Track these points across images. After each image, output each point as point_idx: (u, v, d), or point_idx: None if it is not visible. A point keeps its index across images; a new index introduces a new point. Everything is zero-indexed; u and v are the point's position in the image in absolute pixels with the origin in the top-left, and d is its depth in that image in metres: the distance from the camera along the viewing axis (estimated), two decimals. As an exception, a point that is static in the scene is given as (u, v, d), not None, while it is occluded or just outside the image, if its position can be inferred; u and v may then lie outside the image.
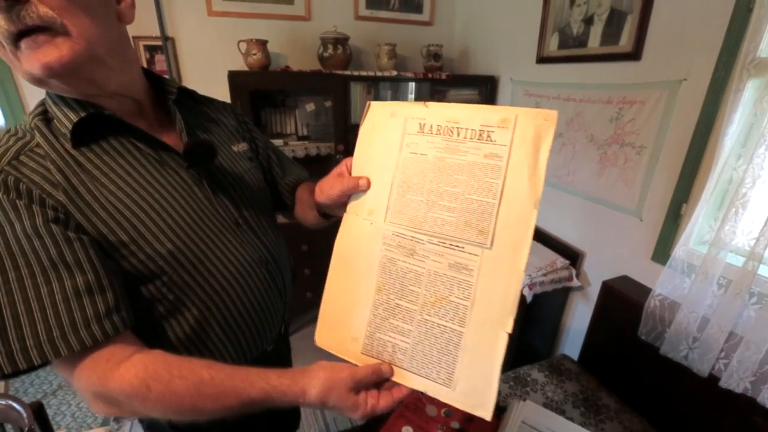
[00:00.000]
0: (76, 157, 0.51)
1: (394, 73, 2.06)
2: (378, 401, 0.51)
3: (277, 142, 2.02)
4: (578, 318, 1.80)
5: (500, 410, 1.22)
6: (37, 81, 0.46)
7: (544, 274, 1.65)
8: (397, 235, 0.55)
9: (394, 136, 0.56)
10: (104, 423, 1.71)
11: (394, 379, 0.54)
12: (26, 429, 0.80)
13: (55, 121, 0.52)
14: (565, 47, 1.69)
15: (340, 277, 0.59)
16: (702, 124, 1.23)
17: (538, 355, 1.90)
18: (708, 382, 1.15)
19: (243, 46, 1.91)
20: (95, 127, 0.52)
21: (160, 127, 0.60)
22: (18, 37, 0.42)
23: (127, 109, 0.56)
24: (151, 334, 0.55)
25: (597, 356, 1.56)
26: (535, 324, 1.93)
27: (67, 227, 0.47)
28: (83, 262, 0.46)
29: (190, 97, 0.68)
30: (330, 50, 2.01)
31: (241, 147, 0.71)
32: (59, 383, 1.91)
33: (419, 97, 2.27)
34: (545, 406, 1.29)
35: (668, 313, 1.26)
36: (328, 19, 2.12)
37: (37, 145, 0.50)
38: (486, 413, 0.49)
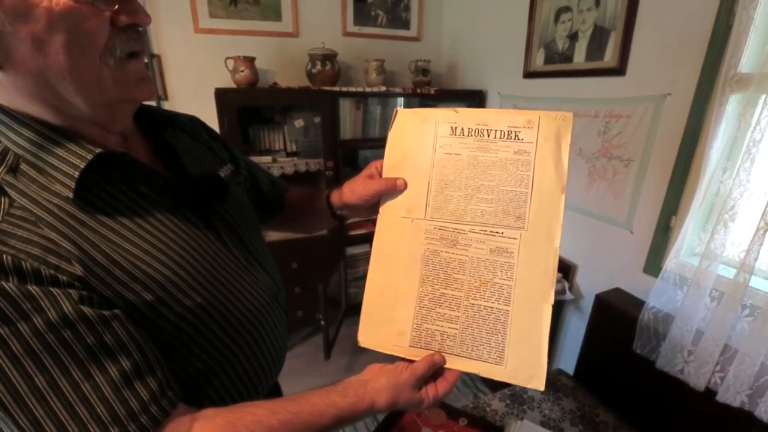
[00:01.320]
0: (74, 214, 0.41)
1: (383, 88, 2.07)
2: (437, 389, 0.54)
3: (266, 158, 2.00)
4: (572, 331, 1.79)
5: (497, 430, 1.19)
6: (109, 106, 0.43)
7: (538, 288, 1.64)
8: (440, 229, 0.59)
9: (427, 140, 0.61)
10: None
11: (447, 365, 0.56)
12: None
13: (28, 165, 0.41)
14: (551, 62, 1.72)
15: (381, 275, 0.61)
16: (688, 137, 1.24)
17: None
18: (705, 397, 1.14)
19: (230, 63, 1.90)
20: (92, 171, 0.43)
21: (150, 162, 0.53)
22: (130, 55, 0.42)
23: (116, 142, 0.48)
24: (186, 391, 0.49)
25: (593, 371, 1.54)
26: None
27: (95, 304, 0.40)
28: (126, 342, 0.40)
29: (159, 118, 0.57)
30: (318, 66, 2.01)
31: (227, 170, 0.65)
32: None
33: (408, 112, 2.28)
34: (543, 424, 1.26)
35: (662, 326, 1.26)
36: (316, 36, 2.12)
37: (18, 207, 0.39)
38: (539, 383, 0.53)
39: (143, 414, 0.39)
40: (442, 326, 0.57)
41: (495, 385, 1.84)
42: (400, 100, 2.20)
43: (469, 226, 0.58)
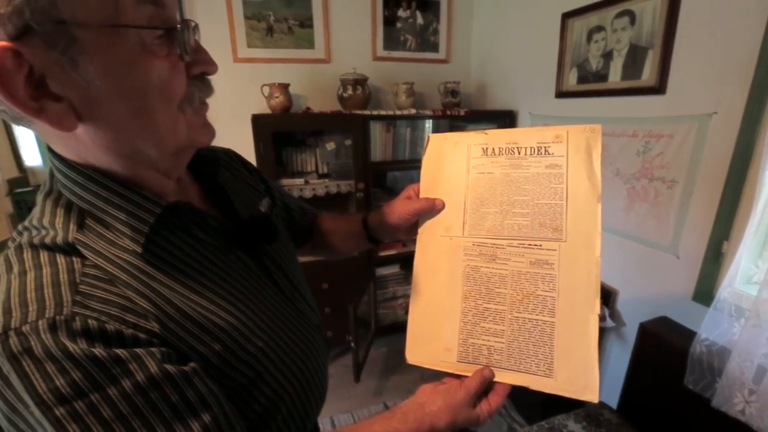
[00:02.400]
0: (143, 268, 0.40)
1: (413, 111, 2.09)
2: (490, 404, 0.54)
3: (298, 180, 2.05)
4: (615, 362, 1.69)
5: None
6: (177, 152, 0.44)
7: (575, 315, 1.57)
8: (478, 245, 0.61)
9: (460, 162, 0.64)
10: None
11: (496, 379, 0.57)
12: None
13: (94, 221, 0.40)
14: (584, 82, 1.69)
15: (424, 294, 0.63)
16: (738, 158, 1.17)
17: (573, 401, 1.78)
18: (770, 441, 1.04)
19: (266, 90, 1.99)
20: (160, 220, 0.42)
21: (202, 205, 0.53)
22: (202, 104, 0.44)
23: (173, 189, 0.48)
24: None
25: (638, 406, 1.44)
26: (567, 366, 1.82)
27: (174, 360, 0.39)
28: (206, 397, 0.39)
29: (206, 159, 0.56)
30: (349, 91, 2.07)
31: (265, 204, 0.64)
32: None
33: (437, 132, 2.29)
34: (585, 463, 1.18)
35: (717, 360, 1.16)
36: (347, 61, 2.19)
37: (91, 265, 0.38)
38: (593, 395, 0.52)
39: None
40: (488, 340, 0.58)
41: (529, 417, 1.75)
42: (429, 122, 2.22)
43: (507, 240, 0.59)
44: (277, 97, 1.96)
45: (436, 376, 0.58)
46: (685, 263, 1.37)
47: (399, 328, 2.30)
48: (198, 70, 0.42)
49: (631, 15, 1.45)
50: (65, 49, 0.33)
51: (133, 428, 0.34)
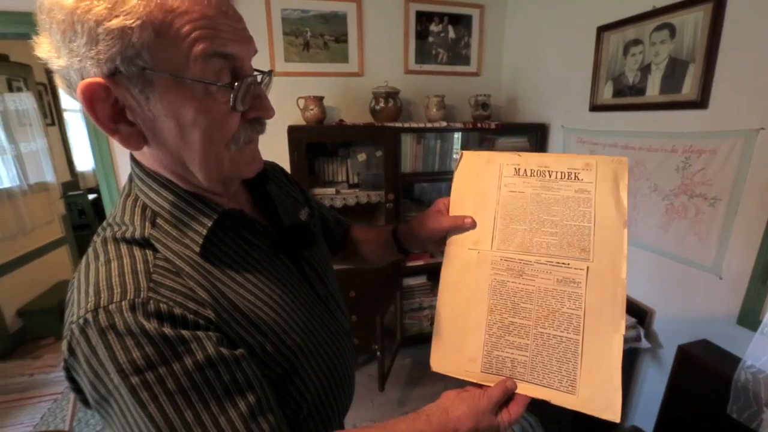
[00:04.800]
0: (201, 264, 0.46)
1: (443, 123, 2.11)
2: (510, 413, 0.56)
3: (330, 190, 2.10)
4: (650, 385, 1.62)
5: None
6: (223, 180, 0.49)
7: (609, 334, 1.52)
8: (506, 260, 0.62)
9: (492, 178, 0.66)
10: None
11: (519, 391, 0.57)
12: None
13: (164, 221, 0.47)
14: (620, 96, 1.66)
15: (450, 304, 0.64)
16: (787, 176, 1.12)
17: (604, 423, 1.71)
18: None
19: (301, 102, 2.07)
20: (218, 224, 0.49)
21: (251, 212, 0.59)
22: (249, 142, 0.49)
23: (228, 198, 0.54)
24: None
25: (676, 432, 1.37)
26: (598, 387, 1.76)
27: (226, 345, 0.44)
28: (252, 380, 0.44)
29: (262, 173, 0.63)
30: (381, 103, 2.12)
31: (305, 213, 0.70)
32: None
33: (468, 146, 2.30)
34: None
35: (765, 389, 1.10)
36: (379, 74, 2.25)
37: (161, 258, 0.44)
38: (614, 416, 0.53)
39: None
40: (512, 353, 0.59)
41: (560, 437, 1.70)
42: (459, 135, 2.23)
43: (535, 257, 0.60)
44: (311, 109, 2.04)
45: (460, 385, 0.59)
46: (728, 284, 1.31)
47: (424, 339, 2.29)
48: (254, 115, 0.47)
49: (670, 28, 1.42)
50: (142, 88, 0.41)
51: (191, 401, 0.40)
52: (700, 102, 1.33)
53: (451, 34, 2.35)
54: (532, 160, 0.65)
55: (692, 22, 1.34)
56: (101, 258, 0.44)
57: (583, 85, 1.82)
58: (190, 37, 0.40)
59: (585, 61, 1.80)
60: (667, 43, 1.44)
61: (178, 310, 0.41)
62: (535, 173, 0.64)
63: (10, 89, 2.87)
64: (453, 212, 0.67)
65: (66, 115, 3.78)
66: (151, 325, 0.39)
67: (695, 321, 1.42)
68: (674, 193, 1.46)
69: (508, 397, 0.57)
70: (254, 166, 0.51)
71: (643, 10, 1.50)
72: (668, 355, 1.48)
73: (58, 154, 3.43)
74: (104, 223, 0.49)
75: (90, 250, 0.46)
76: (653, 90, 1.51)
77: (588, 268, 0.58)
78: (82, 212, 3.69)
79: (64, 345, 0.41)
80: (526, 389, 0.57)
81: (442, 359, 0.63)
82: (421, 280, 2.35)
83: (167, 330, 0.40)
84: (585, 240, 0.59)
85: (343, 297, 0.72)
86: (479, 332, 0.61)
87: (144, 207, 0.48)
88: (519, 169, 0.65)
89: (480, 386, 0.58)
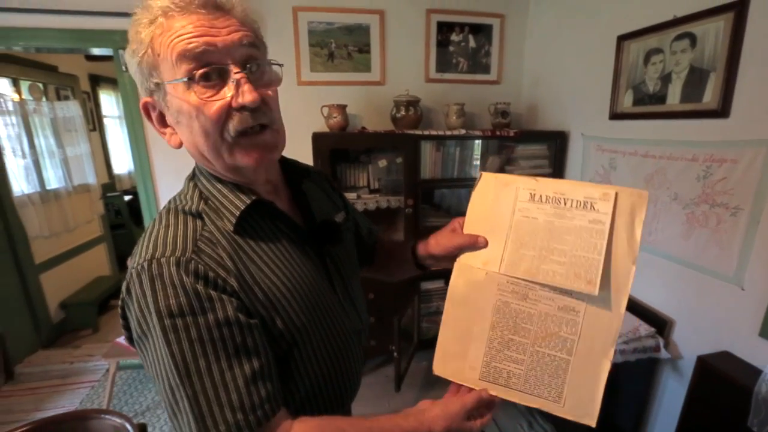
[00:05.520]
0: (237, 241, 0.55)
1: (463, 131, 2.15)
2: (483, 420, 0.62)
3: (351, 195, 2.18)
4: (670, 396, 1.60)
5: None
6: (235, 170, 0.56)
7: (625, 342, 1.52)
8: (512, 283, 0.64)
9: (507, 202, 0.67)
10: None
11: (511, 399, 0.63)
12: (133, 447, 0.92)
13: (212, 202, 0.57)
14: (640, 104, 1.66)
15: (455, 316, 0.68)
16: (810, 186, 1.11)
17: (622, 434, 1.69)
18: None
19: (325, 110, 2.15)
20: (250, 210, 0.57)
21: (288, 206, 0.67)
22: (241, 134, 0.53)
23: (268, 190, 0.63)
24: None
25: (695, 444, 1.35)
26: (617, 398, 1.74)
27: (244, 312, 0.51)
28: (259, 347, 0.51)
29: (297, 170, 0.71)
30: (402, 111, 2.18)
31: (341, 216, 0.75)
32: (147, 405, 2.11)
33: (487, 153, 2.33)
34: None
35: (785, 402, 1.08)
36: (401, 83, 2.31)
37: (207, 231, 0.54)
38: (591, 421, 0.59)
39: (260, 408, 0.49)
40: (508, 366, 0.64)
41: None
42: (479, 142, 2.27)
43: (540, 284, 0.62)
44: (335, 117, 2.12)
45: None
46: (751, 295, 1.29)
47: (441, 343, 2.31)
48: (235, 104, 0.51)
49: (691, 37, 1.42)
50: (163, 97, 0.53)
51: (205, 352, 0.48)
52: (721, 111, 1.33)
53: (472, 43, 2.40)
54: (548, 186, 0.64)
55: (713, 32, 1.34)
56: (163, 222, 0.55)
57: (603, 94, 1.83)
58: (169, 47, 0.49)
59: (605, 69, 1.81)
60: (687, 52, 1.44)
61: (211, 273, 0.50)
62: (551, 200, 0.64)
63: (58, 98, 3.11)
64: (467, 231, 0.69)
65: (105, 121, 4.03)
66: (188, 280, 0.48)
67: (716, 332, 1.41)
68: (695, 202, 1.45)
69: (484, 405, 0.62)
70: (250, 158, 0.54)
71: (664, 19, 1.51)
72: (688, 366, 1.47)
73: (98, 157, 3.67)
74: (171, 198, 0.61)
75: (157, 217, 0.57)
76: (674, 99, 1.51)
77: (589, 299, 0.60)
78: (118, 212, 3.91)
79: (123, 286, 0.51)
80: (517, 397, 0.62)
81: (444, 365, 0.67)
82: (438, 284, 2.39)
83: (200, 287, 0.49)
84: (592, 272, 0.59)
85: (363, 300, 0.77)
86: (481, 345, 0.65)
87: (199, 191, 0.59)
88: (534, 194, 0.65)
89: (464, 388, 0.65)
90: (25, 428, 0.97)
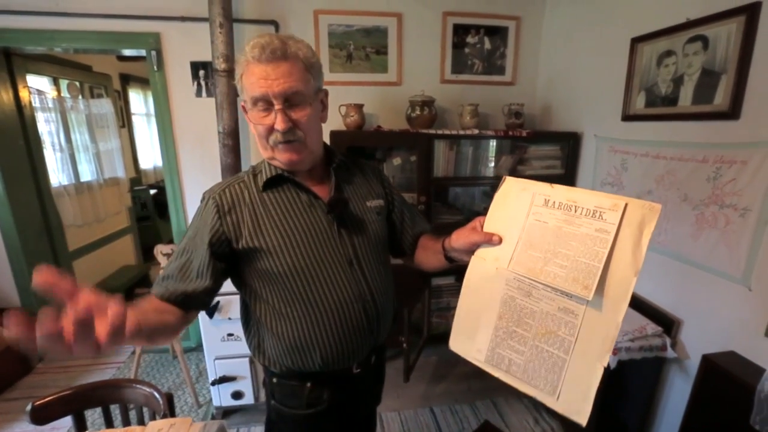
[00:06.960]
0: (261, 196, 0.84)
1: (476, 131, 2.20)
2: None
3: (365, 191, 2.24)
4: (676, 395, 1.61)
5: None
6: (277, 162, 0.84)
7: (632, 340, 1.54)
8: (518, 279, 0.70)
9: (523, 206, 0.72)
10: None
11: (509, 383, 0.70)
12: (161, 413, 1.01)
13: (259, 175, 0.86)
14: (652, 106, 1.68)
15: (468, 303, 0.77)
16: (817, 187, 1.12)
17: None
18: None
19: (343, 109, 2.23)
20: (277, 180, 0.85)
21: (320, 182, 0.89)
22: (277, 142, 0.80)
23: (302, 170, 0.86)
24: (263, 322, 0.86)
25: (698, 441, 1.37)
26: (623, 396, 1.75)
27: (220, 244, 0.80)
28: (193, 262, 0.79)
29: (350, 161, 0.97)
30: (417, 111, 2.24)
31: (375, 203, 0.94)
32: (168, 386, 2.23)
33: (500, 153, 2.36)
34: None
35: (786, 399, 1.10)
36: (416, 84, 2.37)
37: (243, 182, 0.85)
38: (582, 420, 0.62)
39: (161, 284, 0.78)
40: (510, 354, 0.70)
41: None
42: (493, 142, 2.31)
43: (542, 284, 0.67)
44: (352, 116, 2.20)
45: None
46: (758, 296, 1.30)
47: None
48: (274, 126, 0.78)
49: (704, 40, 1.44)
50: (245, 105, 0.80)
51: (183, 248, 0.81)
52: (732, 113, 1.34)
53: (487, 45, 2.44)
54: (562, 193, 0.68)
55: (725, 34, 1.36)
56: (235, 176, 0.88)
57: (616, 95, 1.85)
58: (246, 84, 0.77)
59: (618, 71, 1.83)
60: (699, 54, 1.46)
61: (225, 205, 0.81)
62: (562, 207, 0.68)
63: (92, 96, 3.29)
64: (486, 229, 0.76)
65: (134, 119, 4.23)
66: (206, 206, 0.81)
67: (723, 332, 1.42)
68: (704, 203, 1.46)
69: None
70: (282, 156, 0.81)
71: (677, 22, 1.53)
72: (695, 365, 1.48)
73: (126, 152, 3.85)
74: (252, 164, 0.90)
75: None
76: (685, 100, 1.53)
77: (587, 304, 0.63)
78: (144, 205, 4.09)
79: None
80: (517, 384, 0.68)
81: (458, 342, 0.77)
82: (449, 280, 2.44)
83: (208, 209, 0.81)
84: (590, 279, 0.62)
85: (381, 281, 0.90)
86: (488, 332, 0.72)
87: (262, 165, 0.87)
88: (548, 200, 0.69)
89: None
90: (67, 392, 1.07)
